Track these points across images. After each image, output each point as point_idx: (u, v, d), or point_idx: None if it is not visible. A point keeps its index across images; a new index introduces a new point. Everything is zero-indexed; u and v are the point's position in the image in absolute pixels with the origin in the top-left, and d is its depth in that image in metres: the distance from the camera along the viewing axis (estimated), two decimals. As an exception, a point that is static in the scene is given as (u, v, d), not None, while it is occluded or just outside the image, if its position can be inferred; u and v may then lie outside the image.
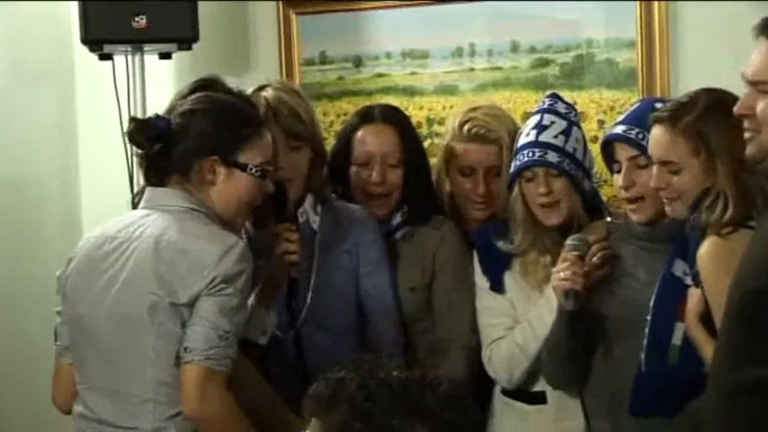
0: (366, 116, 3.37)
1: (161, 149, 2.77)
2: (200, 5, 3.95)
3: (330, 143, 3.54)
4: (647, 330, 2.83)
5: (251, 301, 2.92)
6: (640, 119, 2.91)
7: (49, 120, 4.33)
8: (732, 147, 2.65)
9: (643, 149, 2.90)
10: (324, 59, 4.39)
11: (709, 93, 2.81)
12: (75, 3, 3.90)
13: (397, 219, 3.34)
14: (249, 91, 3.10)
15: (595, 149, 3.17)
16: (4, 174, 4.18)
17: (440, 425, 1.93)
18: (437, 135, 4.12)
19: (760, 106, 2.30)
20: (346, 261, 3.21)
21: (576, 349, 3.02)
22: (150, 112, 2.98)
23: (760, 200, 2.65)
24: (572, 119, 3.20)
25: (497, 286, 3.23)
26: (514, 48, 4.22)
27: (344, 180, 3.35)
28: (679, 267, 2.79)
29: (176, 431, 2.68)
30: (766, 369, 2.20)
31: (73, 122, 4.41)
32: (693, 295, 2.71)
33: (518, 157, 3.16)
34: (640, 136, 2.91)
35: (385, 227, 3.32)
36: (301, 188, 3.17)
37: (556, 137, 3.14)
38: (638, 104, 3.08)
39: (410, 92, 4.31)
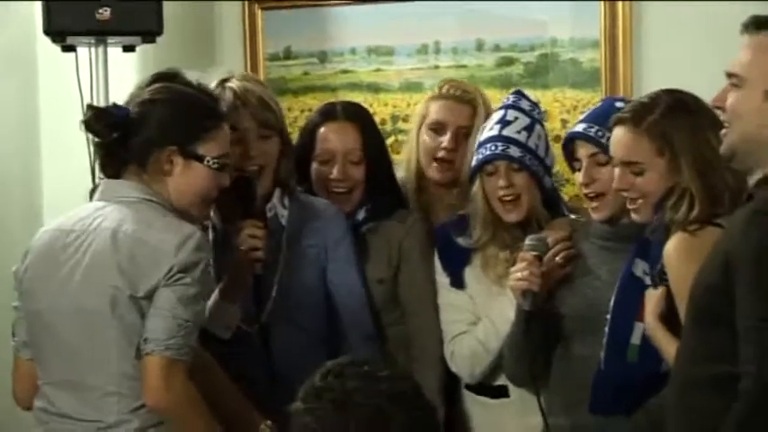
0: (328, 114, 3.38)
1: (119, 138, 2.76)
2: (166, -2, 3.94)
3: (294, 138, 3.53)
4: (606, 329, 2.84)
5: (215, 295, 2.92)
6: (601, 117, 2.94)
7: (11, 111, 4.29)
8: (696, 145, 2.68)
9: (602, 147, 2.92)
10: (288, 55, 4.39)
11: (670, 93, 2.83)
12: (39, -7, 3.88)
13: (362, 214, 3.35)
14: (212, 84, 3.10)
15: (558, 149, 3.19)
16: (-35, 165, 4.15)
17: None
18: (401, 132, 4.13)
19: (728, 100, 2.34)
20: (314, 255, 3.21)
21: (535, 348, 3.03)
22: (98, 105, 2.97)
23: (727, 197, 2.67)
24: (535, 116, 3.23)
25: (457, 282, 3.26)
26: (479, 46, 4.24)
27: (307, 177, 3.36)
28: (639, 267, 2.81)
29: (140, 423, 2.67)
30: (721, 366, 2.22)
31: (35, 114, 4.37)
32: (652, 296, 2.73)
33: (480, 150, 3.19)
34: (600, 134, 2.94)
35: (349, 222, 3.32)
36: (271, 177, 3.17)
37: (519, 132, 3.16)
38: (599, 104, 3.11)
39: (375, 88, 4.31)
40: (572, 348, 3.02)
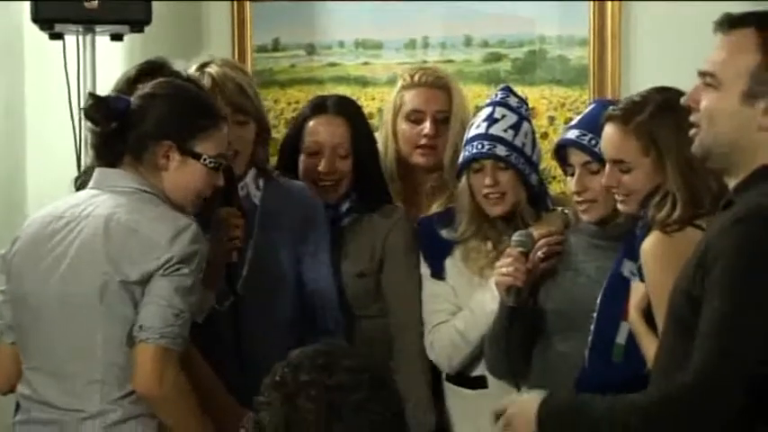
0: (318, 107, 3.39)
1: (117, 129, 2.75)
2: (154, -13, 3.93)
3: (280, 131, 3.53)
4: (592, 327, 2.85)
5: None
6: (594, 124, 2.93)
7: (-4, 98, 4.28)
8: (681, 146, 2.67)
9: (595, 156, 2.93)
10: (276, 46, 4.37)
11: (661, 92, 2.83)
12: (27, -19, 3.86)
13: (345, 205, 3.35)
14: (192, 68, 3.12)
15: (545, 146, 3.20)
16: (-51, 152, 4.13)
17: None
18: (388, 126, 4.11)
19: (703, 102, 2.30)
20: (287, 238, 3.21)
21: (517, 342, 3.04)
22: (100, 94, 2.96)
23: (707, 200, 2.67)
24: (523, 113, 3.23)
25: (438, 272, 3.28)
26: (467, 42, 4.23)
27: (294, 169, 3.36)
28: (627, 267, 2.81)
29: (123, 414, 2.66)
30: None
31: (21, 102, 4.35)
32: (638, 289, 2.74)
33: (467, 148, 3.20)
34: (593, 142, 2.94)
35: (333, 213, 3.33)
36: (246, 163, 3.18)
37: (506, 130, 3.17)
38: (592, 107, 3.09)
39: (362, 82, 4.31)
40: (554, 344, 3.03)
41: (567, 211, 3.16)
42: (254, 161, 3.21)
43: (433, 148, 3.43)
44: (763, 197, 2.21)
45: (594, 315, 2.85)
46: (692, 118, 2.33)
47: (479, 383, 3.25)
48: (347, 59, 4.33)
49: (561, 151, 3.05)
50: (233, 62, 3.39)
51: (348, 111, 3.39)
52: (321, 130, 3.33)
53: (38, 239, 2.74)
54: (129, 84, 2.98)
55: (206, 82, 3.10)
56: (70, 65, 3.99)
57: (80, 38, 3.97)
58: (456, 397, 3.30)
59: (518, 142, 3.17)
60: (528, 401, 2.37)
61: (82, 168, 3.65)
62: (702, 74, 2.31)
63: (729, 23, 2.30)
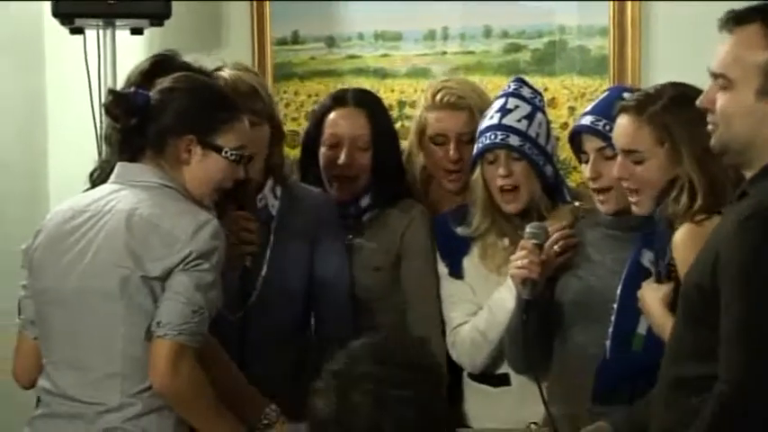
0: (339, 99, 3.39)
1: (137, 124, 2.76)
2: (174, -18, 3.94)
3: (301, 123, 3.54)
4: (612, 318, 2.85)
5: None
6: (608, 110, 2.92)
7: (18, 93, 4.29)
8: (696, 136, 2.65)
9: (609, 141, 2.91)
10: (296, 39, 4.37)
11: (676, 86, 2.83)
12: (47, -25, 3.88)
13: (366, 200, 3.35)
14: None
15: (565, 136, 3.18)
16: (-29, 147, 4.15)
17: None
18: (408, 118, 4.11)
19: (718, 103, 2.30)
20: (302, 246, 3.22)
21: (535, 336, 3.03)
22: (120, 90, 2.97)
23: (729, 189, 2.66)
24: (536, 104, 3.23)
25: (456, 272, 3.27)
26: (487, 32, 4.23)
27: (316, 162, 3.37)
28: (646, 257, 2.81)
29: (143, 407, 2.67)
30: (706, 366, 2.21)
31: (42, 97, 4.37)
32: (654, 288, 2.72)
33: (480, 139, 3.19)
34: (607, 128, 2.93)
35: (353, 208, 3.34)
36: (262, 165, 3.18)
37: (519, 121, 3.16)
38: (606, 94, 3.09)
39: (382, 74, 4.30)
40: (573, 336, 3.03)
41: (578, 203, 3.16)
42: (269, 164, 3.21)
43: (460, 172, 3.40)
44: None
45: (615, 306, 2.85)
46: (709, 119, 2.34)
47: (503, 381, 3.24)
48: (366, 51, 4.32)
49: (576, 138, 3.04)
50: (245, 65, 3.38)
51: (368, 103, 3.39)
52: (341, 123, 3.33)
53: (60, 234, 2.75)
54: (143, 76, 2.99)
55: None
56: (91, 59, 4.01)
57: (100, 32, 3.99)
58: (478, 394, 3.29)
59: (532, 132, 3.16)
60: None
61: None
62: (714, 75, 2.31)
63: (734, 21, 2.30)
